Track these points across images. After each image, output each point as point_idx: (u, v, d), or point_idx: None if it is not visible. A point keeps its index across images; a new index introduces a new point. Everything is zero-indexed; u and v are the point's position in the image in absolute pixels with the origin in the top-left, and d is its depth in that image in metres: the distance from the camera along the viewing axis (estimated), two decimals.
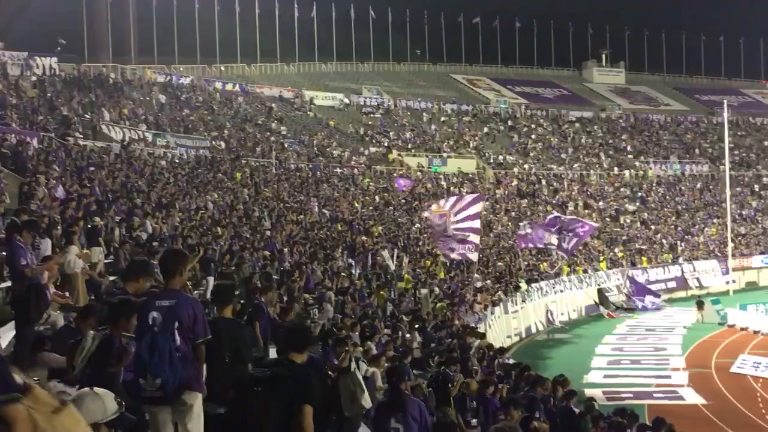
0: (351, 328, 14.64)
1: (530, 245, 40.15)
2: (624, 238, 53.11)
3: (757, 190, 64.92)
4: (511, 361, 20.47)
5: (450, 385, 12.73)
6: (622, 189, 61.71)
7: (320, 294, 19.54)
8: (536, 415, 11.87)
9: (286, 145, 51.21)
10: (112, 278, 12.84)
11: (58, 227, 14.83)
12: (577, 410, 14.75)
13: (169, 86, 54.49)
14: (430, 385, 12.92)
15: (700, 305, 40.14)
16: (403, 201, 46.59)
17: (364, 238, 32.79)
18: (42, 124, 33.21)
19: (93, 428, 3.79)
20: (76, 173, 24.71)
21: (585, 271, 43.89)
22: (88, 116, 39.47)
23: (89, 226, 15.86)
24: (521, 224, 42.37)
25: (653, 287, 47.11)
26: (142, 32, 65.33)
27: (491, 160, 61.46)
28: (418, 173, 54.50)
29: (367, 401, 8.83)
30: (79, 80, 46.51)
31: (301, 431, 5.11)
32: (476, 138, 64.84)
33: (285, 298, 15.95)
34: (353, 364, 9.30)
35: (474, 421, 11.95)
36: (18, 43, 47.41)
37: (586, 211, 56.26)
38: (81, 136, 34.09)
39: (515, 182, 58.15)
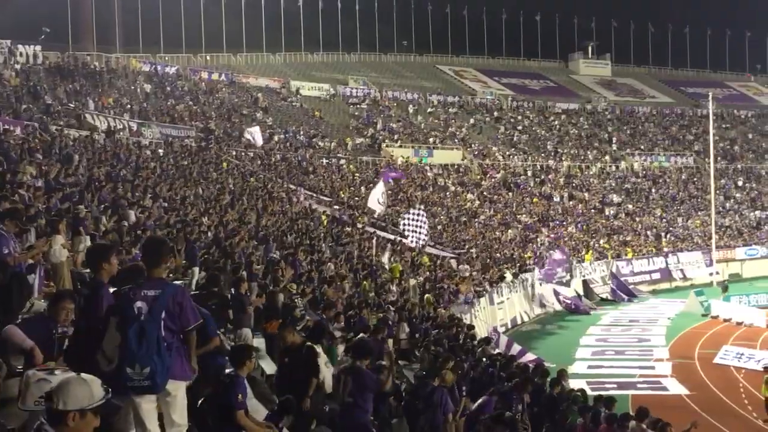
0: (335, 318, 14.60)
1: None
2: (609, 230, 53.30)
3: (741, 182, 65.29)
4: (496, 351, 20.54)
5: None
6: (607, 181, 61.92)
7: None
8: (512, 410, 11.35)
9: (275, 138, 50.99)
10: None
11: (42, 216, 14.67)
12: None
13: (155, 76, 54.14)
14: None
15: (725, 289, 41.99)
16: (390, 192, 46.44)
17: (348, 229, 32.77)
18: (26, 113, 32.86)
19: (80, 414, 3.77)
20: (60, 162, 24.46)
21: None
22: (72, 105, 39.12)
23: (71, 215, 15.69)
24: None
25: (638, 278, 47.36)
26: (127, 21, 65.08)
27: (477, 152, 61.46)
28: (405, 164, 54.39)
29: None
30: (63, 69, 46.06)
31: None
32: (462, 129, 64.83)
33: (271, 288, 15.86)
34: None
35: None
36: (1, 30, 46.89)
37: (571, 202, 56.44)
38: (63, 125, 33.76)
39: (501, 173, 58.20)
